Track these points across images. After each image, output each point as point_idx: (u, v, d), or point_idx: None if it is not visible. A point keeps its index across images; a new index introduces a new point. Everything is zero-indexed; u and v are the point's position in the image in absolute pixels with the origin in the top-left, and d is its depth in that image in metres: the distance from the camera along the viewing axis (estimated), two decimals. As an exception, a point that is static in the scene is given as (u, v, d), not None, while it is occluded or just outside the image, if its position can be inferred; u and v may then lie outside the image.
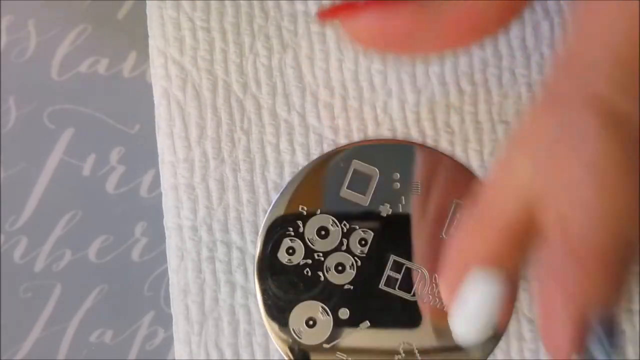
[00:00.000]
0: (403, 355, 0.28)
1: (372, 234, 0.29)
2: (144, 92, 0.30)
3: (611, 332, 0.22)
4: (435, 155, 0.29)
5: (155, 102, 0.30)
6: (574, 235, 0.21)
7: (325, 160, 0.29)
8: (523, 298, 0.29)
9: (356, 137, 0.30)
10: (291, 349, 0.28)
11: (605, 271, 0.21)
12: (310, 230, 0.29)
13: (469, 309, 0.23)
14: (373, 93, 0.30)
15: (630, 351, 0.29)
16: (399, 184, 0.29)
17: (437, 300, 0.29)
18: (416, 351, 0.28)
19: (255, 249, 0.29)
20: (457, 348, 0.28)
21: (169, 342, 0.30)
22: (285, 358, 0.29)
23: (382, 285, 0.29)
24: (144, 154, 0.31)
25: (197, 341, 0.29)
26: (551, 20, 0.30)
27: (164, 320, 0.30)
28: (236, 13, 0.30)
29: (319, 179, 0.29)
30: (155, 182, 0.31)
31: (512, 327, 0.29)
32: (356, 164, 0.29)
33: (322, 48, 0.30)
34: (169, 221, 0.29)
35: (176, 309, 0.29)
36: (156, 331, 0.30)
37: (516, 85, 0.30)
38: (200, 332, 0.29)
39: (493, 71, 0.30)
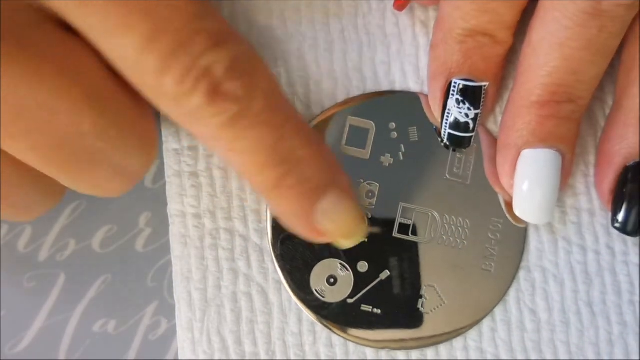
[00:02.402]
0: (427, 298, 0.29)
1: (378, 185, 0.29)
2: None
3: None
4: (425, 100, 0.30)
5: (160, 92, 0.30)
6: None
7: (321, 123, 0.30)
8: (525, 288, 0.29)
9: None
10: (316, 309, 0.29)
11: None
12: None
13: (530, 186, 0.27)
14: (377, 84, 0.30)
15: (632, 341, 0.29)
16: (395, 133, 0.29)
17: (451, 239, 0.29)
18: (439, 291, 0.29)
19: (266, 218, 0.29)
20: (477, 284, 0.29)
21: (172, 332, 0.30)
22: (312, 319, 0.29)
23: (395, 234, 0.29)
24: (148, 145, 0.31)
25: (200, 328, 0.29)
26: (554, 14, 0.30)
27: (168, 310, 0.30)
28: (241, 4, 0.30)
29: None
30: (160, 173, 0.31)
31: (513, 317, 0.29)
32: (351, 120, 0.30)
33: (326, 38, 0.30)
34: (172, 208, 0.29)
35: (179, 295, 0.29)
36: (159, 321, 0.30)
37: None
38: (203, 319, 0.29)
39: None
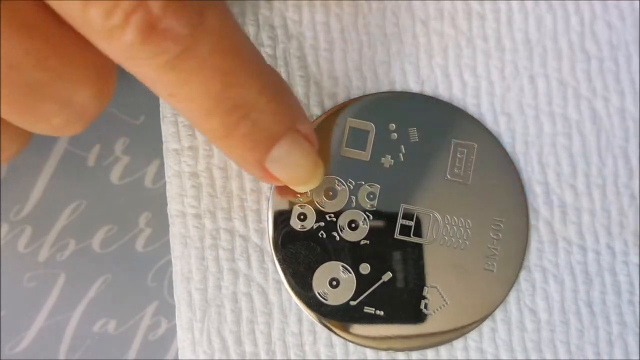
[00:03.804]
0: (429, 298, 0.29)
1: (379, 186, 0.29)
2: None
3: None
4: (424, 100, 0.30)
5: (160, 92, 0.30)
6: None
7: (320, 125, 0.30)
8: (525, 288, 0.29)
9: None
10: (319, 312, 0.29)
11: None
12: (317, 193, 0.29)
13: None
14: (377, 84, 0.30)
15: (631, 341, 0.29)
16: (396, 134, 0.29)
17: (453, 240, 0.29)
18: (441, 292, 0.29)
19: (267, 221, 0.29)
20: (479, 284, 0.29)
21: (172, 332, 0.30)
22: (315, 322, 0.29)
23: (397, 235, 0.29)
24: (148, 145, 0.31)
25: (200, 328, 0.29)
26: (554, 14, 0.30)
27: (168, 310, 0.30)
28: (242, 5, 0.30)
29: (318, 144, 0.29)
30: (160, 173, 0.31)
31: (513, 317, 0.29)
32: (351, 122, 0.30)
33: (326, 38, 0.30)
34: (172, 209, 0.29)
35: (179, 295, 0.29)
36: (159, 321, 0.30)
37: (518, 77, 0.30)
38: (203, 319, 0.29)
39: (496, 64, 0.30)
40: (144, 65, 0.21)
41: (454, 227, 0.29)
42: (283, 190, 0.29)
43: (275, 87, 0.24)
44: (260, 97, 0.23)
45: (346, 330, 0.29)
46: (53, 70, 0.21)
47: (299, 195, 0.29)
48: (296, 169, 0.26)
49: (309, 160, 0.26)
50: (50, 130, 0.24)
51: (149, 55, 0.20)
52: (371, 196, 0.29)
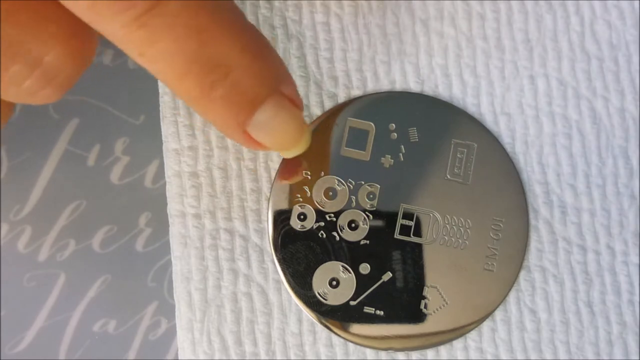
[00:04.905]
0: (429, 298, 0.29)
1: (379, 186, 0.29)
2: (149, 83, 0.30)
3: None
4: (424, 100, 0.30)
5: (160, 91, 0.30)
6: None
7: (320, 125, 0.30)
8: (525, 288, 0.29)
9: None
10: (319, 312, 0.29)
11: None
12: (317, 193, 0.29)
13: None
14: (377, 83, 0.30)
15: (631, 341, 0.29)
16: (395, 134, 0.29)
17: (453, 240, 0.29)
18: (441, 292, 0.29)
19: (267, 221, 0.29)
20: (479, 283, 0.29)
21: (172, 332, 0.30)
22: (316, 322, 0.29)
23: (397, 235, 0.29)
24: (148, 145, 0.31)
25: (200, 328, 0.29)
26: (554, 14, 0.30)
27: (167, 310, 0.30)
28: (241, 5, 0.30)
29: (318, 143, 0.29)
30: (160, 173, 0.31)
31: (513, 317, 0.29)
32: (351, 122, 0.30)
33: (326, 38, 0.30)
34: (172, 209, 0.29)
35: (179, 295, 0.29)
36: (159, 321, 0.30)
37: (518, 77, 0.30)
38: (203, 319, 0.29)
39: (496, 63, 0.30)
40: (110, 23, 0.19)
41: (454, 227, 0.29)
42: (287, 174, 0.29)
43: (257, 46, 0.23)
44: (241, 56, 0.22)
45: (346, 330, 0.29)
46: (23, 25, 0.20)
47: (298, 195, 0.29)
48: (282, 134, 0.24)
49: (295, 125, 0.24)
50: (23, 96, 0.23)
51: (115, 12, 0.19)
52: (371, 196, 0.29)
